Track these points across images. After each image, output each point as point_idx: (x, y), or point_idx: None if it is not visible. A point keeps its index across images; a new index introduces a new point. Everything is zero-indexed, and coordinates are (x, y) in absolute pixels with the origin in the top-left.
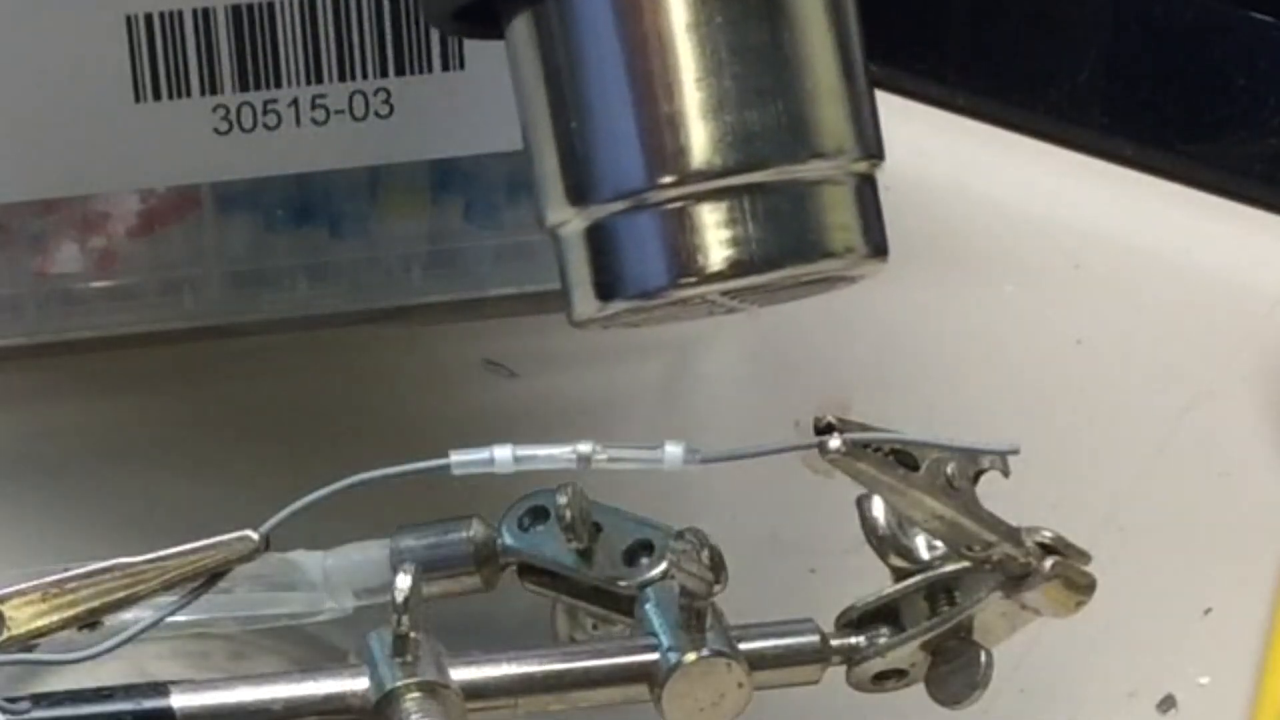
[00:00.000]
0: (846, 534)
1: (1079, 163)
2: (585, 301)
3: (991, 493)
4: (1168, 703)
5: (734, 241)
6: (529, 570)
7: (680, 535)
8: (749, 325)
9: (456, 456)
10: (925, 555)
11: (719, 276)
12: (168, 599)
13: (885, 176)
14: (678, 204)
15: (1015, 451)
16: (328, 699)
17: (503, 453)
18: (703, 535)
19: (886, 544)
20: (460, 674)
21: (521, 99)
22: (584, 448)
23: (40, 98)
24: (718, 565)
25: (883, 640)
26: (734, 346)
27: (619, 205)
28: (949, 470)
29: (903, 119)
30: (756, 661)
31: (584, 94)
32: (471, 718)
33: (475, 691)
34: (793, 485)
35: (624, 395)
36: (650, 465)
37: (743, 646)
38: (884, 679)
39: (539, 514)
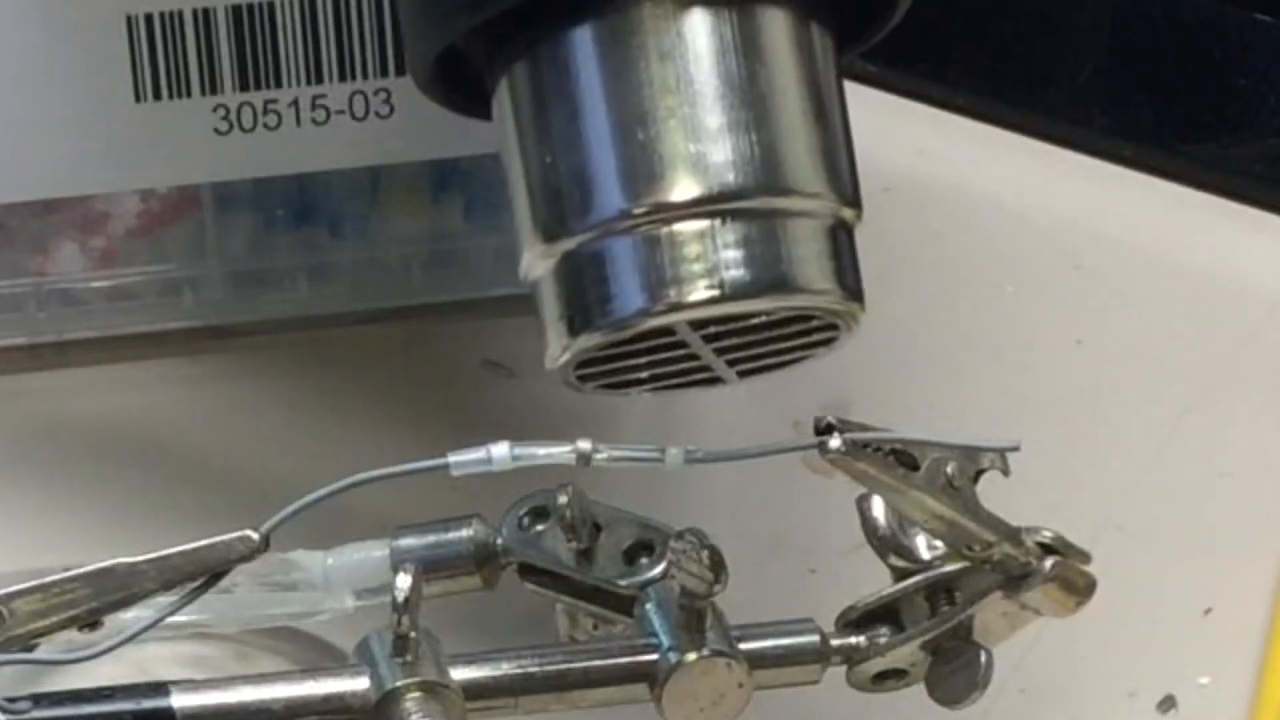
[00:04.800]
0: (846, 534)
1: (1079, 163)
2: (557, 339)
3: (991, 493)
4: (1168, 703)
5: (706, 272)
6: (529, 570)
7: (680, 535)
8: None
9: (455, 457)
10: (925, 555)
11: (690, 306)
12: (168, 599)
13: (885, 177)
14: (650, 233)
15: (1015, 449)
16: (328, 699)
17: (500, 451)
18: (703, 535)
19: (886, 544)
20: (460, 674)
21: (505, 150)
22: (584, 445)
23: (40, 98)
24: (718, 565)
25: (883, 640)
26: None
27: (591, 234)
28: (949, 470)
29: (903, 119)
30: (756, 661)
31: (560, 129)
32: (471, 718)
33: (475, 691)
34: (793, 485)
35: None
36: (650, 465)
37: (743, 646)
38: (884, 679)
39: (539, 514)
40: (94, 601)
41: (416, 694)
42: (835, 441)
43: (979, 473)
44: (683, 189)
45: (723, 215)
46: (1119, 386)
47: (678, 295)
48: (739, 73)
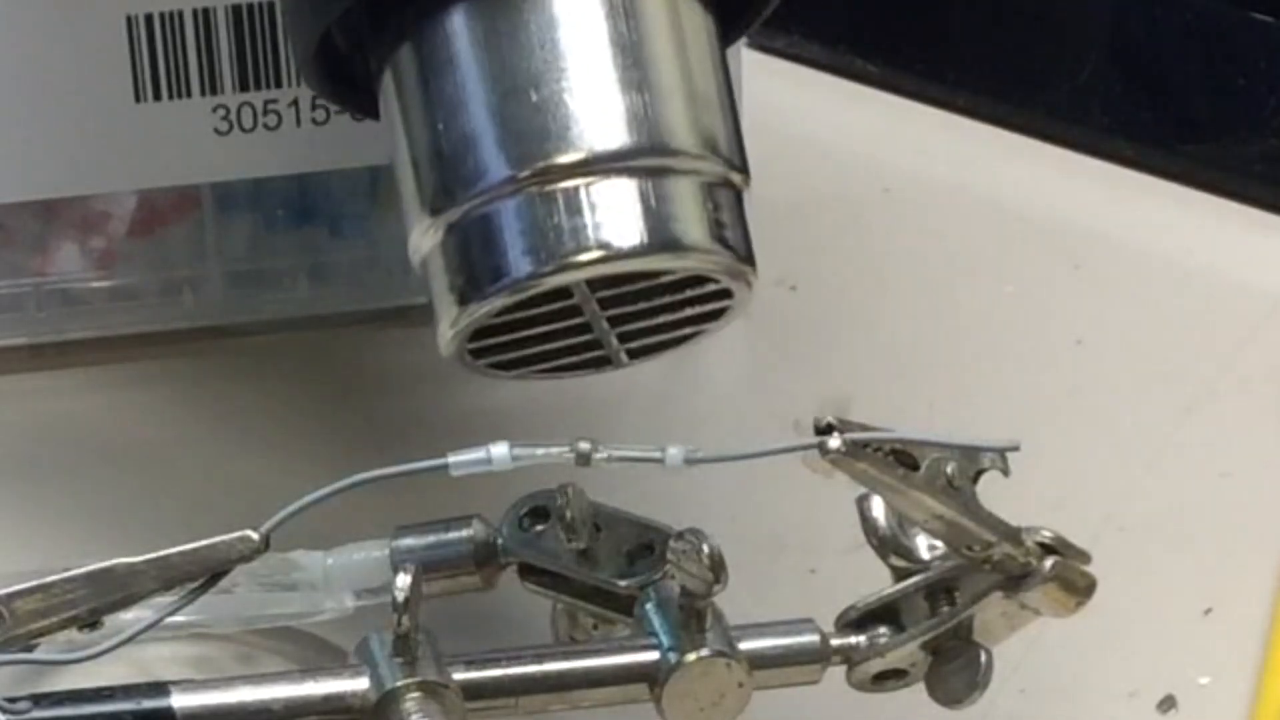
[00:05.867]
0: (846, 534)
1: (1079, 163)
2: (447, 312)
3: (991, 493)
4: (1168, 703)
5: (595, 231)
6: (529, 570)
7: (680, 535)
8: (748, 325)
9: (454, 457)
10: (925, 555)
11: (580, 266)
12: (168, 599)
13: (885, 177)
14: (538, 195)
15: (1015, 448)
16: (328, 699)
17: (500, 451)
18: (703, 535)
19: (886, 544)
20: (460, 674)
21: (391, 132)
22: (584, 445)
23: (40, 98)
24: (718, 565)
25: (883, 640)
26: (734, 346)
27: (478, 201)
28: (949, 470)
29: (903, 119)
30: (756, 661)
31: (445, 100)
32: (471, 718)
33: (475, 691)
34: (793, 485)
35: (624, 395)
36: (650, 465)
37: (743, 646)
38: (884, 679)
39: (539, 514)
40: (94, 601)
41: (416, 694)
42: (835, 441)
43: (979, 473)
44: (570, 150)
45: (612, 175)
46: (1119, 386)
47: (568, 256)
48: (627, 36)
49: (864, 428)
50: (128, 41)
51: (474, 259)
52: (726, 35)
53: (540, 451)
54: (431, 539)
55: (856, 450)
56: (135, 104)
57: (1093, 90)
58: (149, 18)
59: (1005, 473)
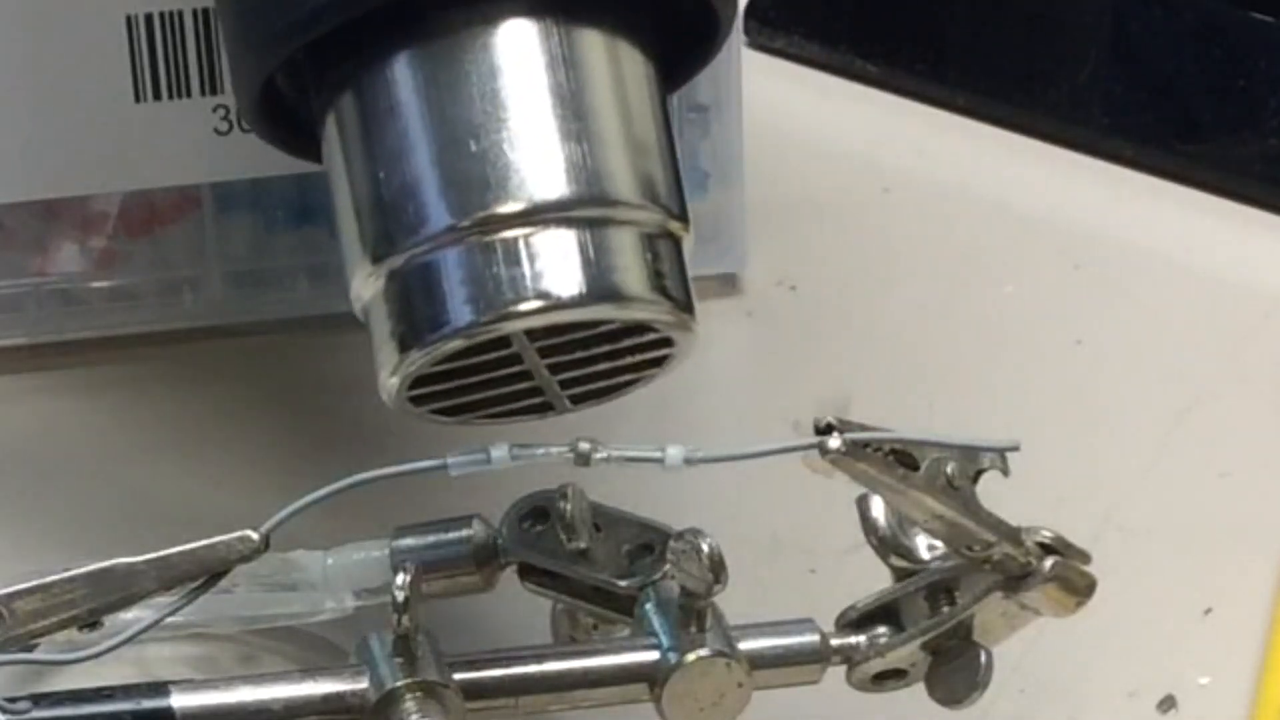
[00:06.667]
0: (846, 534)
1: (1079, 163)
2: (388, 359)
3: (991, 493)
4: (1168, 703)
5: (536, 282)
6: (529, 570)
7: (680, 535)
8: (748, 326)
9: (454, 457)
10: (925, 555)
11: (520, 315)
12: (168, 599)
13: (885, 177)
14: (479, 244)
15: (1015, 448)
16: (328, 699)
17: (499, 451)
18: (702, 535)
19: (886, 544)
20: (460, 674)
21: (333, 178)
22: (583, 445)
23: (40, 98)
24: (718, 565)
25: (883, 640)
26: (734, 346)
27: (420, 249)
28: (949, 470)
29: (903, 119)
30: (756, 661)
31: (387, 148)
32: (471, 718)
33: (475, 691)
34: (793, 485)
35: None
36: (650, 465)
37: (743, 646)
38: (884, 679)
39: (539, 514)
40: (94, 601)
41: (416, 694)
42: (835, 441)
43: (979, 473)
44: (511, 200)
45: (552, 225)
46: (1119, 386)
47: (507, 306)
48: (566, 86)
49: (864, 428)
50: (128, 41)
51: (415, 307)
52: (669, 82)
53: (540, 451)
54: (431, 539)
55: (856, 450)
56: (135, 104)
57: (1093, 90)
58: (149, 18)
59: (1005, 473)
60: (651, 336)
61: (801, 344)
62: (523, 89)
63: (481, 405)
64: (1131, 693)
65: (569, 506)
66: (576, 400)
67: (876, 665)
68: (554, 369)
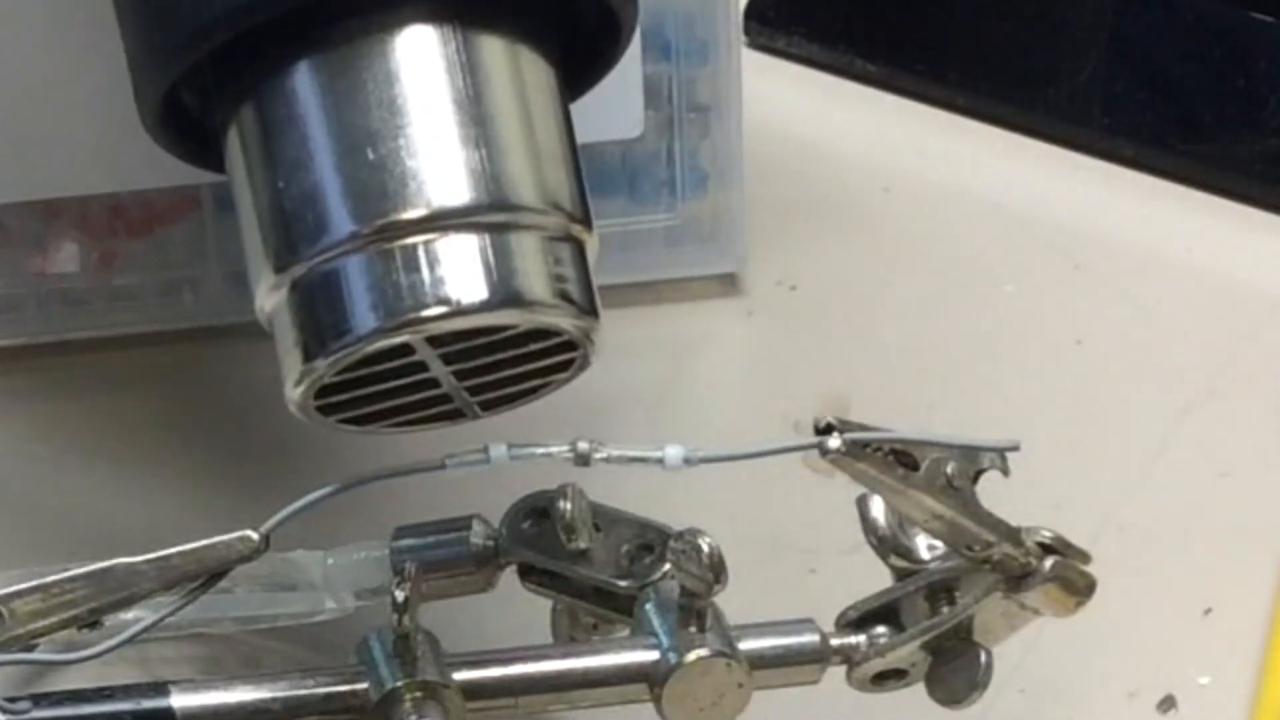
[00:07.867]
0: (846, 534)
1: (1079, 163)
2: (293, 368)
3: (991, 493)
4: (1168, 703)
5: (438, 287)
6: (529, 570)
7: (680, 535)
8: (747, 326)
9: (453, 457)
10: (925, 555)
11: (423, 322)
12: (168, 599)
13: (885, 177)
14: (380, 251)
15: (1015, 448)
16: (328, 699)
17: (498, 451)
18: (702, 535)
19: (886, 544)
20: (460, 674)
21: (235, 188)
22: (583, 445)
23: (40, 98)
24: (718, 565)
25: (883, 640)
26: (734, 347)
27: (322, 257)
28: (949, 470)
29: (903, 119)
30: (756, 661)
31: (288, 156)
32: (471, 718)
33: (475, 691)
34: (793, 485)
35: (624, 395)
36: (650, 465)
37: (743, 646)
38: (884, 679)
39: (539, 514)
40: (94, 601)
41: (416, 694)
42: (835, 441)
43: (979, 473)
44: (410, 207)
45: (452, 231)
46: (1119, 386)
47: (409, 312)
48: (466, 92)
49: (864, 428)
50: None
51: (318, 316)
52: (573, 89)
53: (539, 451)
54: (431, 539)
55: (856, 450)
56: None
57: (1093, 90)
58: None
59: (1005, 473)
60: (556, 340)
61: (801, 344)
62: (421, 95)
63: (391, 414)
64: (1131, 693)
65: (569, 506)
66: (486, 406)
67: (876, 665)
68: (461, 375)
